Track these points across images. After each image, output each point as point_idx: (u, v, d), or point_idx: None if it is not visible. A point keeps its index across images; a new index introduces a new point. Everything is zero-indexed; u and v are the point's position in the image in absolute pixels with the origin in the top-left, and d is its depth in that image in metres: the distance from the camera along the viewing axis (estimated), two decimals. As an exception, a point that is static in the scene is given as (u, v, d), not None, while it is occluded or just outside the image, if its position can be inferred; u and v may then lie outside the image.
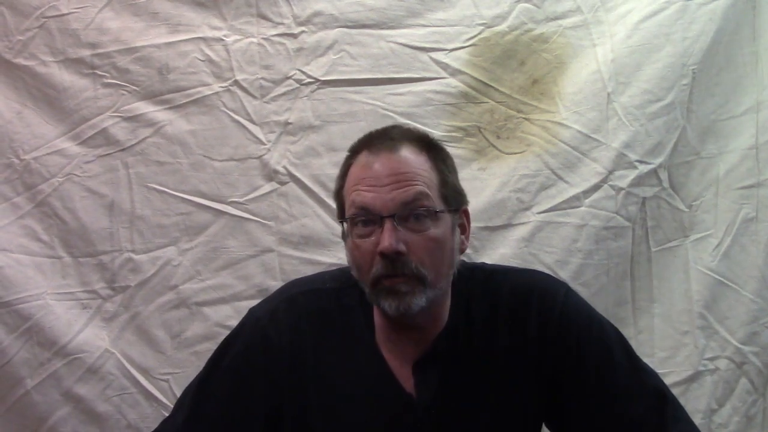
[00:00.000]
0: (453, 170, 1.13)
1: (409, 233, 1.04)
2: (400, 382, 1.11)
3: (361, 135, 1.76)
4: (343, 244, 1.72)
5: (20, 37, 1.75)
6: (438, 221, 1.06)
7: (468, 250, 1.17)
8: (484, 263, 1.25)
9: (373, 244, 1.04)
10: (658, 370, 1.19)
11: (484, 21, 1.76)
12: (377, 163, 1.06)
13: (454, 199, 1.10)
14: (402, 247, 1.03)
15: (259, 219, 1.77)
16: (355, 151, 1.11)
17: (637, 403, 1.10)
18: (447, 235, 1.07)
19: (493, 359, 1.12)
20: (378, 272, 1.04)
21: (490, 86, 1.76)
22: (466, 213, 1.14)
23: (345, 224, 1.09)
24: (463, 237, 1.12)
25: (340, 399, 1.12)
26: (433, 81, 1.76)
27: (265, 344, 1.14)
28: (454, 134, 1.75)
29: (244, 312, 1.21)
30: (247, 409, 1.14)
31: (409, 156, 1.07)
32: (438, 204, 1.06)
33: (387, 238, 1.02)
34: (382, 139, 1.09)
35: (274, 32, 1.77)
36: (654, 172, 1.74)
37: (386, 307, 1.05)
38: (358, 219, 1.06)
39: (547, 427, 1.19)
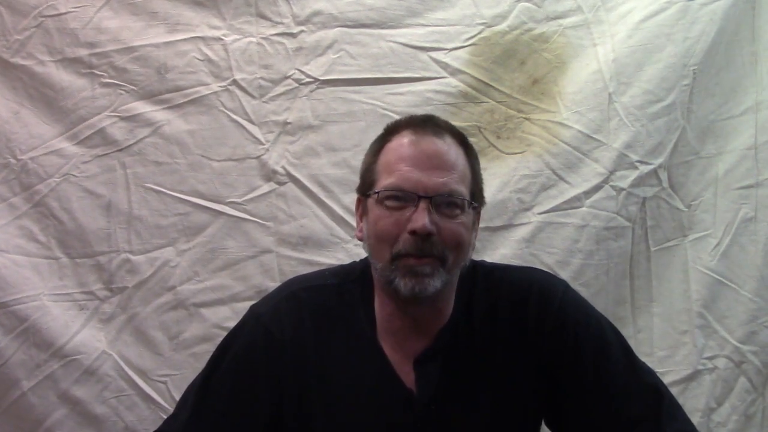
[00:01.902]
0: (480, 170, 1.16)
1: (440, 218, 1.06)
2: (400, 377, 1.12)
3: (360, 135, 1.76)
4: (342, 244, 1.74)
5: (18, 37, 1.74)
6: (465, 213, 1.09)
7: (468, 251, 1.18)
8: (483, 261, 1.26)
9: (403, 219, 1.06)
10: (657, 369, 1.20)
11: (484, 20, 1.76)
12: (423, 143, 1.09)
13: (479, 197, 1.14)
14: (434, 229, 1.05)
15: (257, 219, 1.77)
16: (394, 129, 1.13)
17: (634, 401, 1.11)
18: (469, 228, 1.10)
19: (493, 356, 1.13)
20: (404, 249, 1.06)
21: (491, 86, 1.76)
22: (479, 214, 1.17)
23: (370, 197, 1.10)
24: (474, 232, 1.14)
25: (341, 394, 1.13)
26: (433, 81, 1.76)
27: (268, 340, 1.14)
28: (454, 134, 1.75)
29: (243, 313, 1.21)
30: (251, 405, 1.14)
31: (453, 145, 1.11)
32: (469, 198, 1.10)
33: (422, 218, 1.05)
34: (428, 123, 1.12)
35: (273, 32, 1.77)
36: (654, 172, 1.75)
37: (401, 286, 1.07)
38: (393, 194, 1.07)
39: (546, 423, 1.20)
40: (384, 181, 1.09)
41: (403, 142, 1.10)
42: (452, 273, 1.09)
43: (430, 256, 1.06)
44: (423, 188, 1.06)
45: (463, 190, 1.09)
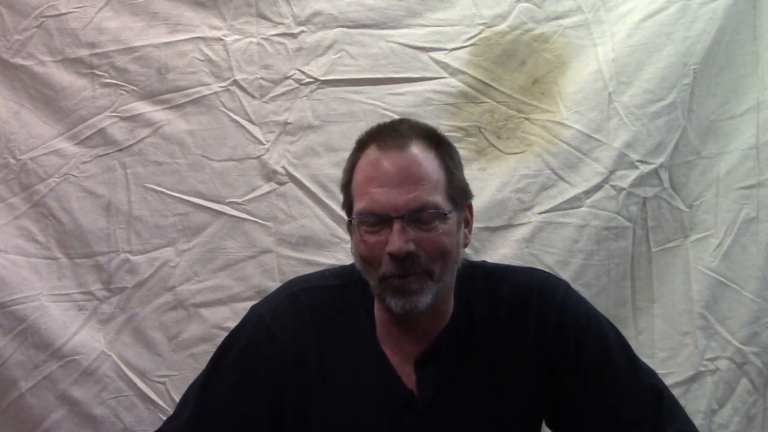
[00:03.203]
0: (459, 166, 1.13)
1: (417, 232, 1.04)
2: (401, 378, 1.12)
3: (360, 135, 1.75)
4: (342, 244, 1.74)
5: (18, 37, 1.74)
6: (446, 221, 1.06)
7: (468, 251, 1.18)
8: (484, 261, 1.26)
9: (382, 243, 1.05)
10: (659, 371, 1.20)
11: (484, 21, 1.76)
12: (386, 162, 1.05)
13: (460, 196, 1.10)
14: (411, 247, 1.04)
15: (257, 219, 1.77)
16: (362, 144, 1.11)
17: (635, 402, 1.11)
18: (453, 233, 1.08)
19: (494, 356, 1.12)
20: (387, 272, 1.05)
21: (491, 86, 1.76)
22: (470, 207, 1.15)
23: (353, 219, 1.09)
24: (466, 231, 1.13)
25: (342, 395, 1.13)
26: (433, 81, 1.76)
27: (268, 340, 1.14)
28: (454, 134, 1.74)
29: (243, 313, 1.21)
30: (252, 405, 1.14)
31: (419, 154, 1.07)
32: (445, 205, 1.06)
33: (396, 240, 1.03)
34: (392, 135, 1.09)
35: (273, 32, 1.77)
36: (655, 172, 1.74)
37: (392, 305, 1.06)
38: (367, 220, 1.06)
39: (546, 423, 1.19)
40: (357, 205, 1.07)
41: (370, 159, 1.07)
42: (443, 280, 1.08)
43: (414, 274, 1.04)
44: (394, 208, 1.04)
45: (437, 199, 1.06)
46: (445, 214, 1.06)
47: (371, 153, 1.08)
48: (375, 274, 1.06)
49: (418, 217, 1.04)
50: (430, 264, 1.05)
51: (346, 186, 1.11)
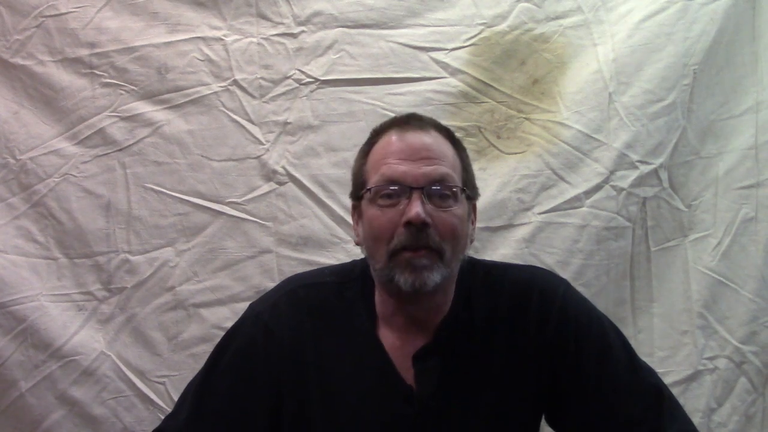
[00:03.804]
0: (470, 163, 1.16)
1: (433, 208, 1.06)
2: (400, 374, 1.12)
3: (360, 135, 1.75)
4: (342, 244, 1.74)
5: (18, 37, 1.74)
6: (459, 203, 1.08)
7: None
8: (484, 259, 1.26)
9: (397, 214, 1.05)
10: (658, 370, 1.20)
11: (485, 21, 1.76)
12: (409, 137, 1.09)
13: (471, 190, 1.13)
14: (428, 219, 1.04)
15: (257, 220, 1.77)
16: (378, 132, 1.14)
17: (634, 400, 1.11)
18: (464, 219, 1.10)
19: (493, 353, 1.13)
20: (400, 243, 1.05)
21: (491, 86, 1.76)
22: (474, 207, 1.16)
23: (362, 197, 1.10)
24: (472, 227, 1.14)
25: (341, 391, 1.13)
26: (433, 81, 1.76)
27: (267, 337, 1.14)
28: (454, 134, 1.75)
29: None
30: (251, 403, 1.14)
31: (439, 137, 1.11)
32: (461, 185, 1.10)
33: (415, 207, 1.04)
34: (411, 120, 1.13)
35: (273, 32, 1.77)
36: (654, 172, 1.74)
37: (401, 281, 1.06)
38: (385, 190, 1.07)
39: (547, 421, 1.20)
40: (374, 178, 1.08)
41: (390, 140, 1.10)
42: (451, 266, 1.09)
43: (426, 248, 1.05)
44: (413, 179, 1.06)
45: (455, 177, 1.09)
46: (463, 191, 1.09)
47: (389, 136, 1.11)
48: (384, 251, 1.07)
49: (437, 191, 1.06)
50: (442, 243, 1.06)
51: (359, 169, 1.13)
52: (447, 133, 1.13)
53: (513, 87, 1.76)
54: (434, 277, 1.06)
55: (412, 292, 1.06)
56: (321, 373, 1.13)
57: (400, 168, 1.06)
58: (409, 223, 1.04)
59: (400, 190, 1.06)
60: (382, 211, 1.07)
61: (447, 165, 1.08)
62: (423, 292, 1.06)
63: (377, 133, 1.13)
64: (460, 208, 1.08)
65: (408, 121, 1.12)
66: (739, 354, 1.74)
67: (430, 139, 1.09)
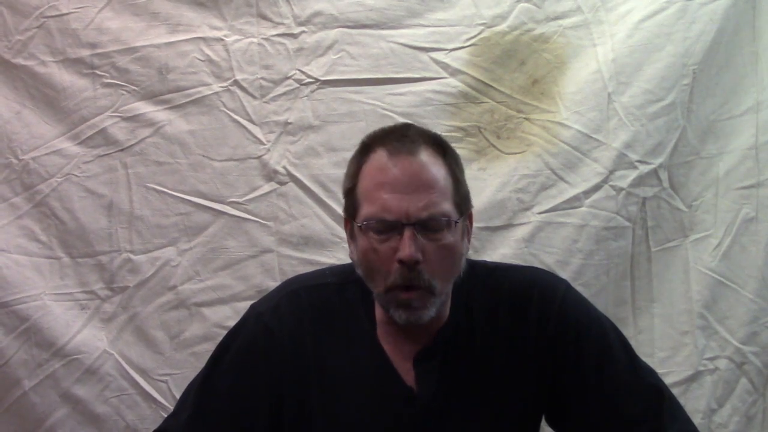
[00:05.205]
0: (462, 173, 1.12)
1: (425, 241, 1.04)
2: (401, 375, 1.12)
3: (360, 135, 1.75)
4: (342, 244, 1.74)
5: (19, 37, 1.74)
6: (452, 230, 1.06)
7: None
8: (485, 261, 1.26)
9: (390, 250, 1.04)
10: (658, 370, 1.19)
11: (484, 21, 1.76)
12: (397, 167, 1.05)
13: (464, 205, 1.10)
14: (420, 256, 1.03)
15: (258, 219, 1.77)
16: (367, 148, 1.09)
17: (635, 401, 1.10)
18: (459, 242, 1.08)
19: (494, 354, 1.12)
20: (394, 282, 1.05)
21: (491, 86, 1.76)
22: (470, 216, 1.14)
23: (356, 224, 1.08)
24: (466, 239, 1.12)
25: (341, 392, 1.13)
26: (433, 81, 1.76)
27: (268, 338, 1.14)
28: (454, 134, 1.74)
29: (243, 313, 1.21)
30: (251, 403, 1.14)
31: (429, 161, 1.06)
32: (453, 212, 1.06)
33: (407, 246, 1.02)
34: (401, 140, 1.07)
35: (274, 32, 1.77)
36: (654, 172, 1.74)
37: (396, 317, 1.07)
38: (377, 226, 1.05)
39: (547, 422, 1.19)
40: (366, 210, 1.06)
41: (379, 164, 1.06)
42: (445, 292, 1.09)
43: (417, 288, 1.04)
44: (405, 215, 1.03)
45: (446, 206, 1.05)
46: (456, 222, 1.05)
47: (379, 158, 1.06)
48: (382, 283, 1.06)
49: (429, 224, 1.04)
50: (432, 281, 1.04)
51: (350, 191, 1.10)
52: (437, 146, 1.09)
53: (513, 87, 1.76)
54: (428, 313, 1.06)
55: (408, 326, 1.07)
56: (322, 374, 1.13)
57: (392, 204, 1.03)
58: (401, 261, 1.03)
59: (392, 225, 1.04)
60: (375, 246, 1.05)
61: (439, 193, 1.05)
62: (418, 324, 1.07)
63: (366, 150, 1.09)
64: (453, 235, 1.06)
65: (397, 141, 1.07)
66: (740, 354, 1.74)
67: (420, 164, 1.05)
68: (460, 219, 1.07)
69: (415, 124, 1.18)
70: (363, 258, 1.08)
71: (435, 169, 1.06)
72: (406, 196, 1.03)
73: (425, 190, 1.04)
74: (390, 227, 1.04)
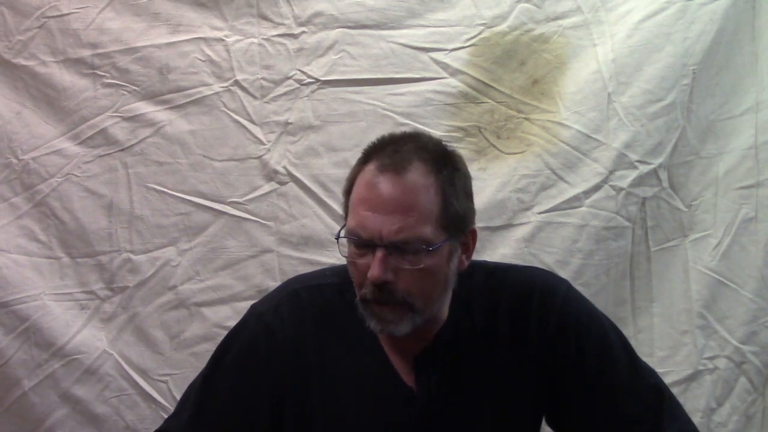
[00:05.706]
0: (461, 191, 1.07)
1: (400, 261, 1.02)
2: (401, 376, 1.12)
3: (361, 135, 1.77)
4: (343, 244, 1.74)
5: (20, 37, 1.74)
6: (431, 253, 1.03)
7: (468, 251, 1.17)
8: (486, 261, 1.26)
9: (365, 266, 1.04)
10: (658, 370, 1.19)
11: (484, 21, 1.76)
12: (380, 185, 1.03)
13: (456, 225, 1.06)
14: (389, 277, 1.02)
15: (258, 219, 1.77)
16: (365, 158, 1.08)
17: (635, 401, 1.10)
18: (441, 265, 1.05)
19: (494, 354, 1.12)
20: (367, 295, 1.05)
21: (491, 86, 1.76)
22: (473, 233, 1.12)
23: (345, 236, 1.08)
24: (463, 256, 1.10)
25: (342, 392, 1.13)
26: (433, 81, 1.76)
27: (269, 338, 1.14)
28: (454, 134, 1.75)
29: (244, 313, 1.21)
30: (252, 403, 1.14)
31: (416, 181, 1.03)
32: (435, 236, 1.03)
33: (376, 267, 1.01)
34: (393, 156, 1.05)
35: (274, 32, 1.77)
36: (654, 172, 1.75)
37: (371, 327, 1.06)
38: (354, 241, 1.05)
39: (547, 422, 1.19)
40: (349, 222, 1.05)
41: (367, 179, 1.04)
42: (427, 312, 1.07)
43: (390, 304, 1.04)
44: (378, 236, 1.02)
45: (425, 231, 1.02)
46: (429, 250, 1.02)
47: (369, 172, 1.05)
48: (359, 293, 1.07)
49: (403, 247, 1.02)
50: (408, 298, 1.03)
51: (347, 194, 1.10)
52: (433, 164, 1.05)
53: (513, 87, 1.77)
54: (402, 328, 1.04)
55: (384, 335, 1.08)
56: (322, 374, 1.13)
57: (367, 222, 1.02)
58: (371, 280, 1.03)
59: (365, 243, 1.03)
60: (354, 258, 1.05)
61: (418, 216, 1.01)
62: (393, 337, 1.07)
63: (365, 158, 1.08)
64: (433, 258, 1.03)
65: (388, 157, 1.05)
66: (739, 354, 1.74)
67: (404, 184, 1.02)
68: (444, 242, 1.04)
69: (422, 133, 1.14)
70: (347, 264, 1.08)
71: (420, 190, 1.03)
72: (381, 217, 1.02)
73: (402, 212, 1.02)
74: (364, 244, 1.03)
